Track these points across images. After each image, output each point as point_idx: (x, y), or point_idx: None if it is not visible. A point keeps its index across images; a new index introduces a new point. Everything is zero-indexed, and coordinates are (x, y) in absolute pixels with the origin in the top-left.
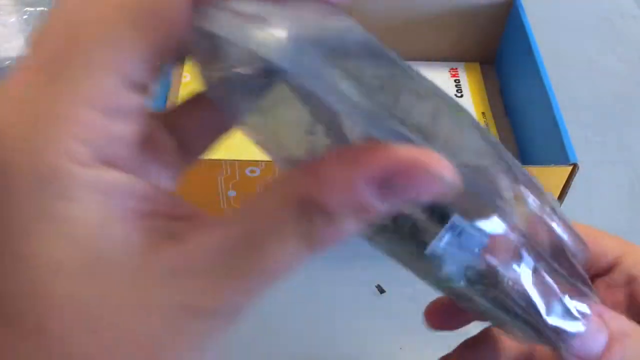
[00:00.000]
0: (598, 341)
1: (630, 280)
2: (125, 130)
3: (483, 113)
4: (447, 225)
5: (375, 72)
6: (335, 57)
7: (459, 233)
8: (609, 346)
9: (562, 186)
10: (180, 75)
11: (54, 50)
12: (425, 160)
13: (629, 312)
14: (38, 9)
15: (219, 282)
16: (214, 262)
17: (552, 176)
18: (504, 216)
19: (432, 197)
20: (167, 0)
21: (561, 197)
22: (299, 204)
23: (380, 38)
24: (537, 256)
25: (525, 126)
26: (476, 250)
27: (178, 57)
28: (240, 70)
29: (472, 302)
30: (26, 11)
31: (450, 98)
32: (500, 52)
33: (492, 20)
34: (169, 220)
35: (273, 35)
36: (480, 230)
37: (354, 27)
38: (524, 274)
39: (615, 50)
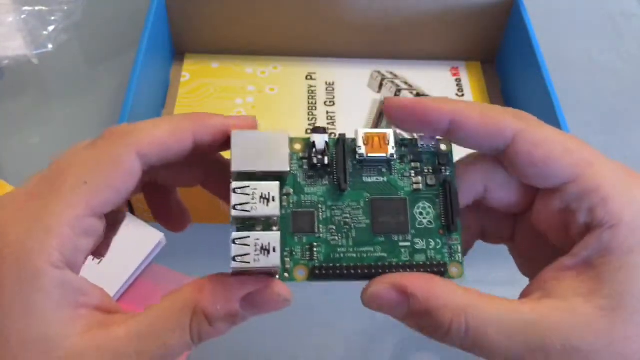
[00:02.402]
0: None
1: (576, 209)
2: (87, 244)
3: None
4: None
5: None
6: None
7: None
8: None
9: None
10: (179, 74)
11: (47, 182)
12: (275, 288)
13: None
14: (37, 8)
15: None
16: (129, 347)
17: None
18: None
19: (276, 308)
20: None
21: None
22: (192, 311)
23: (380, 38)
24: None
25: None
26: None
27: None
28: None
29: None
30: (24, 10)
31: None
32: (501, 51)
33: (493, 19)
34: (99, 312)
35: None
36: None
37: None
38: None
39: (617, 49)
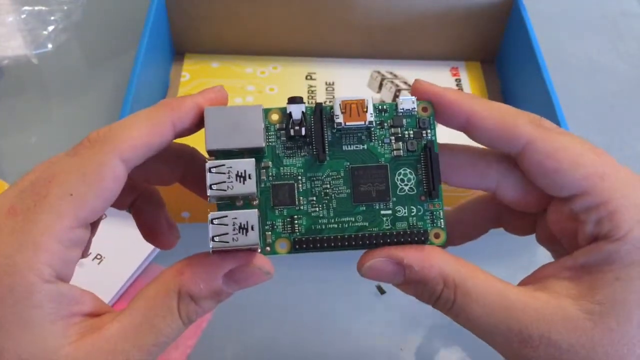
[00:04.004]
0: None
1: (586, 219)
2: (76, 255)
3: None
4: None
5: None
6: None
7: None
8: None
9: None
10: (179, 74)
11: (31, 195)
12: (256, 262)
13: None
14: (36, 7)
15: (129, 356)
16: (125, 343)
17: None
18: None
19: (258, 282)
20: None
21: None
22: (177, 294)
23: (380, 38)
24: None
25: None
26: None
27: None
28: None
29: None
30: (24, 10)
31: None
32: (501, 51)
33: (493, 19)
34: (90, 317)
35: None
36: None
37: None
38: None
39: (617, 49)
